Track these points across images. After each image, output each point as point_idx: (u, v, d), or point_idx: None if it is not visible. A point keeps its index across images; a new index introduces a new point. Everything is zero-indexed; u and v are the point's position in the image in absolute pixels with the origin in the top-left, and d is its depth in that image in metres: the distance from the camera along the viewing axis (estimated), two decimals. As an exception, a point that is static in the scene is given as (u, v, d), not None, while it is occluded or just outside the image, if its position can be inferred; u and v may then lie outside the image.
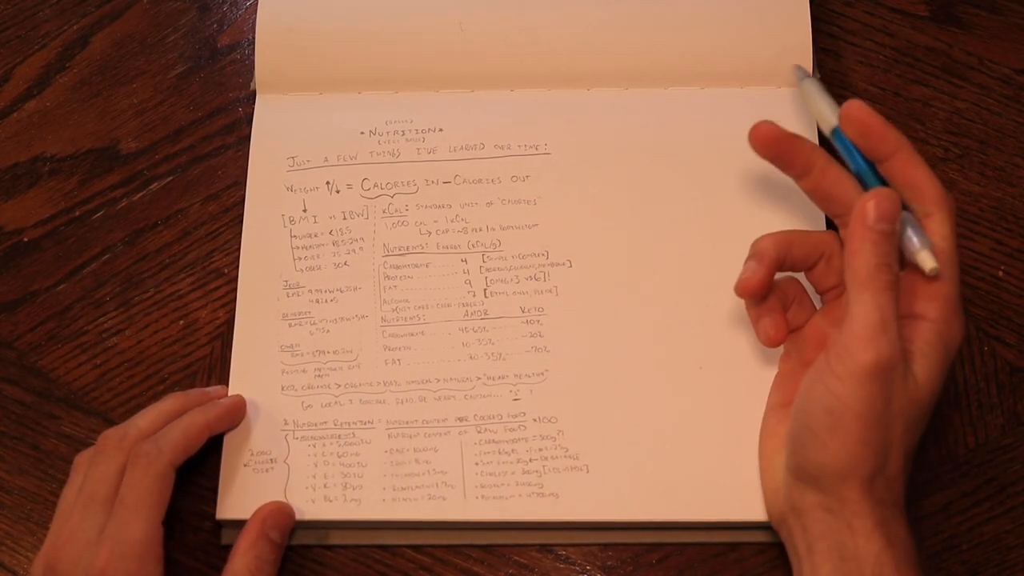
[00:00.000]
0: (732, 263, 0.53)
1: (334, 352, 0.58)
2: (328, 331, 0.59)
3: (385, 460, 0.56)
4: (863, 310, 0.47)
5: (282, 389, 0.58)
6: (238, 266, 0.60)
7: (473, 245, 0.60)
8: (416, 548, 0.56)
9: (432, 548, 0.56)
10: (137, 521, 0.51)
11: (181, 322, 0.61)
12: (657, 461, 0.55)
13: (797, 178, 0.52)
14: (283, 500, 0.56)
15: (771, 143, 0.52)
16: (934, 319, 0.48)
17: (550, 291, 0.59)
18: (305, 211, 0.61)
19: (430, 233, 0.60)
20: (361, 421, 0.57)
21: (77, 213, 0.64)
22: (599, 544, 0.56)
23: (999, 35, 0.65)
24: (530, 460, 0.56)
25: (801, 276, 0.55)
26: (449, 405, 0.57)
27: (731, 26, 0.62)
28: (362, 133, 0.62)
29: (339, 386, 0.58)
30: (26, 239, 0.64)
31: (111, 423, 0.57)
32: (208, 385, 0.59)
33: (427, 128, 0.62)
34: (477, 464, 0.56)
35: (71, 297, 0.62)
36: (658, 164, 0.61)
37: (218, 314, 0.61)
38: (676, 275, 0.59)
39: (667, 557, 0.56)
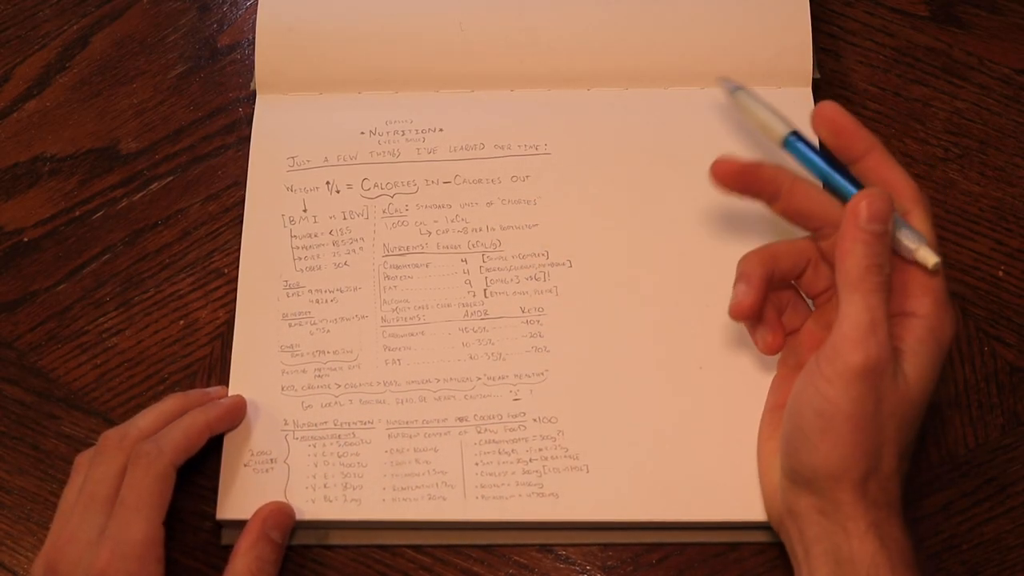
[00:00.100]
0: (732, 263, 0.53)
1: (334, 352, 0.58)
2: (328, 331, 0.59)
3: (385, 460, 0.56)
4: (853, 311, 0.47)
5: (282, 389, 0.58)
6: (238, 266, 0.60)
7: (473, 245, 0.60)
8: (416, 548, 0.56)
9: (432, 548, 0.56)
10: (138, 521, 0.50)
11: (181, 322, 0.61)
12: (657, 461, 0.55)
13: (768, 204, 0.52)
14: (283, 500, 0.56)
15: (733, 177, 0.51)
16: (925, 315, 0.48)
17: (550, 291, 0.59)
18: (305, 211, 0.61)
19: (430, 233, 0.60)
20: (361, 421, 0.57)
21: (77, 213, 0.64)
22: (599, 544, 0.56)
23: (999, 35, 0.65)
24: (530, 460, 0.56)
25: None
26: (449, 405, 0.57)
27: (731, 26, 0.62)
28: (362, 133, 0.62)
29: (339, 386, 0.58)
30: (26, 239, 0.64)
31: (111, 423, 0.57)
32: (208, 385, 0.59)
33: (427, 128, 0.62)
34: (477, 464, 0.56)
35: (71, 297, 0.62)
36: (658, 164, 0.61)
37: (218, 314, 0.61)
38: (676, 275, 0.59)
39: (667, 557, 0.56)
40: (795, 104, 0.61)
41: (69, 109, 0.66)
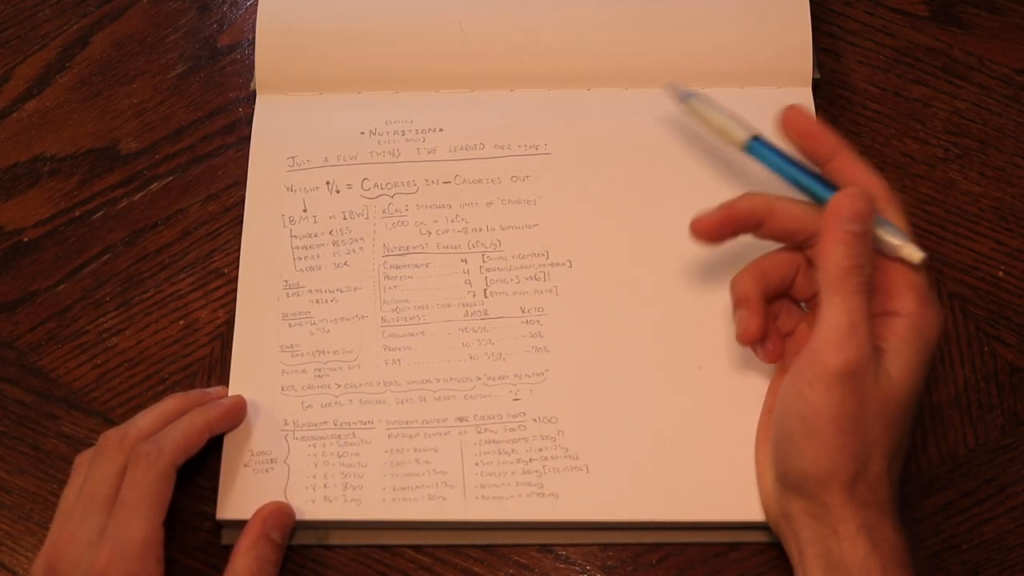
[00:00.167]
0: (732, 263, 0.53)
1: (334, 352, 0.58)
2: (328, 331, 0.59)
3: (385, 460, 0.56)
4: (833, 314, 0.47)
5: (282, 389, 0.58)
6: (238, 266, 0.60)
7: (473, 245, 0.60)
8: (416, 548, 0.56)
9: (432, 548, 0.56)
10: (138, 521, 0.51)
11: (181, 322, 0.61)
12: (657, 461, 0.55)
13: (754, 232, 0.52)
14: (283, 500, 0.56)
15: (714, 230, 0.52)
16: (909, 313, 0.48)
17: (550, 291, 0.59)
18: (305, 211, 0.61)
19: (430, 233, 0.60)
20: (361, 421, 0.57)
21: (77, 213, 0.64)
22: (599, 544, 0.56)
23: (999, 35, 0.65)
24: (530, 460, 0.56)
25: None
26: (449, 405, 0.57)
27: (731, 26, 0.62)
28: (362, 133, 0.62)
29: (339, 386, 0.58)
30: (26, 239, 0.64)
31: (111, 423, 0.57)
32: (208, 385, 0.59)
33: (427, 128, 0.62)
34: (477, 464, 0.56)
35: (71, 297, 0.62)
36: (658, 164, 0.61)
37: (218, 314, 0.61)
38: (676, 275, 0.59)
39: (667, 557, 0.56)
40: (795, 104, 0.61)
41: (69, 109, 0.66)
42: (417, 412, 0.57)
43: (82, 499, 0.52)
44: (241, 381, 0.58)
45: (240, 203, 0.62)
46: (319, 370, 0.58)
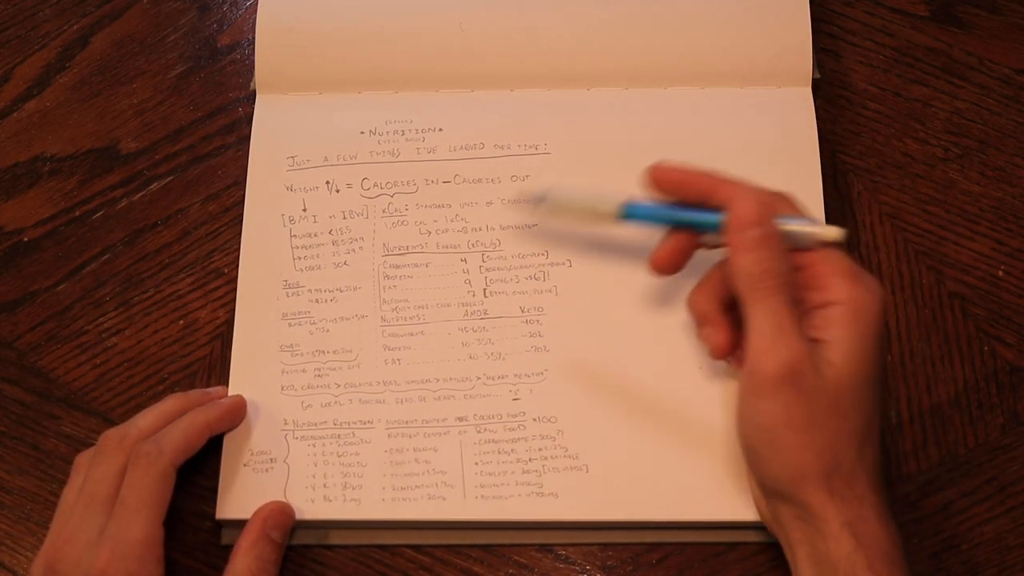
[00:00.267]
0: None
1: (334, 352, 0.58)
2: (328, 331, 0.59)
3: (385, 460, 0.56)
4: (757, 322, 0.47)
5: (282, 389, 0.58)
6: (238, 266, 0.60)
7: (473, 245, 0.60)
8: (416, 548, 0.56)
9: (432, 548, 0.56)
10: (138, 521, 0.51)
11: (181, 322, 0.61)
12: (657, 461, 0.55)
13: (706, 199, 0.52)
14: (283, 500, 0.56)
15: (674, 180, 0.52)
16: (844, 299, 0.48)
17: (550, 291, 0.59)
18: (305, 211, 0.61)
19: (430, 233, 0.60)
20: (361, 421, 0.57)
21: (77, 213, 0.64)
22: (599, 544, 0.56)
23: (999, 35, 0.65)
24: (530, 460, 0.56)
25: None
26: (449, 405, 0.57)
27: (731, 26, 0.62)
28: (362, 133, 0.62)
29: (339, 386, 0.58)
30: (26, 239, 0.64)
31: (111, 423, 0.57)
32: (208, 385, 0.59)
33: (427, 128, 0.62)
34: (477, 464, 0.56)
35: (71, 297, 0.62)
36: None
37: (218, 314, 0.61)
38: (676, 275, 0.58)
39: (667, 557, 0.56)
40: (795, 104, 0.61)
41: (69, 109, 0.66)
42: (417, 412, 0.57)
43: (82, 499, 0.52)
44: (241, 381, 0.58)
45: (240, 203, 0.62)
46: (319, 370, 0.58)
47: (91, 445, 0.56)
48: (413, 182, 0.61)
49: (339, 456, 0.56)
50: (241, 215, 0.61)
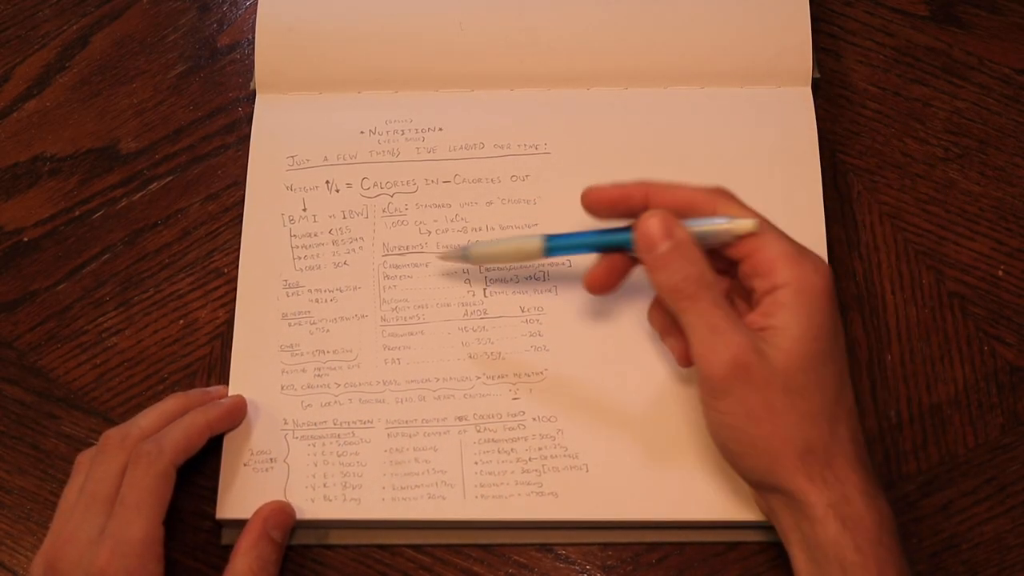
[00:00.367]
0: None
1: (334, 352, 0.58)
2: (328, 331, 0.59)
3: (385, 459, 0.56)
4: (691, 329, 0.48)
5: (282, 389, 0.58)
6: (238, 266, 0.60)
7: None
8: (416, 548, 0.56)
9: (432, 548, 0.56)
10: (138, 521, 0.51)
11: (181, 322, 0.61)
12: (657, 461, 0.55)
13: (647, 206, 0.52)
14: (283, 499, 0.56)
15: (604, 201, 0.52)
16: (786, 280, 0.48)
17: (550, 291, 0.59)
18: (305, 210, 0.61)
19: (430, 232, 0.60)
20: (361, 420, 0.57)
21: (77, 213, 0.64)
22: (599, 544, 0.56)
23: (999, 35, 0.65)
24: (529, 459, 0.56)
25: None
26: (448, 404, 0.57)
27: (731, 26, 0.62)
28: (362, 132, 0.62)
29: (339, 385, 0.58)
30: (26, 239, 0.64)
31: (111, 423, 0.57)
32: (208, 385, 0.59)
33: (427, 127, 0.62)
34: (476, 463, 0.56)
35: (71, 297, 0.62)
36: (658, 164, 0.61)
37: (218, 314, 0.61)
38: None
39: (667, 557, 0.56)
40: (795, 104, 0.61)
41: (69, 109, 0.66)
42: (416, 411, 0.57)
43: (83, 498, 0.52)
44: (241, 381, 0.58)
45: (240, 203, 0.62)
46: (319, 369, 0.58)
47: (91, 445, 0.56)
48: (413, 182, 0.61)
49: (339, 456, 0.56)
50: (241, 215, 0.61)
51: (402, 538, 0.56)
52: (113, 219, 0.64)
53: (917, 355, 0.58)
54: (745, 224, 0.49)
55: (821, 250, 0.58)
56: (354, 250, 0.60)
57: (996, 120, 0.63)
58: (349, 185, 0.61)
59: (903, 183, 0.62)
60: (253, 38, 0.64)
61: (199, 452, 0.55)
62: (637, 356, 0.57)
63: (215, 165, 0.64)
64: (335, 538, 0.57)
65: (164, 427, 0.54)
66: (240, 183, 0.63)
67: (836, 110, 0.64)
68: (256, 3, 0.64)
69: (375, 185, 0.61)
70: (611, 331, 0.58)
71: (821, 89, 0.63)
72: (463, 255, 0.56)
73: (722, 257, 0.51)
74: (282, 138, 0.63)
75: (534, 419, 0.56)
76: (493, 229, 0.60)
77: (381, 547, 0.57)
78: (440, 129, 0.62)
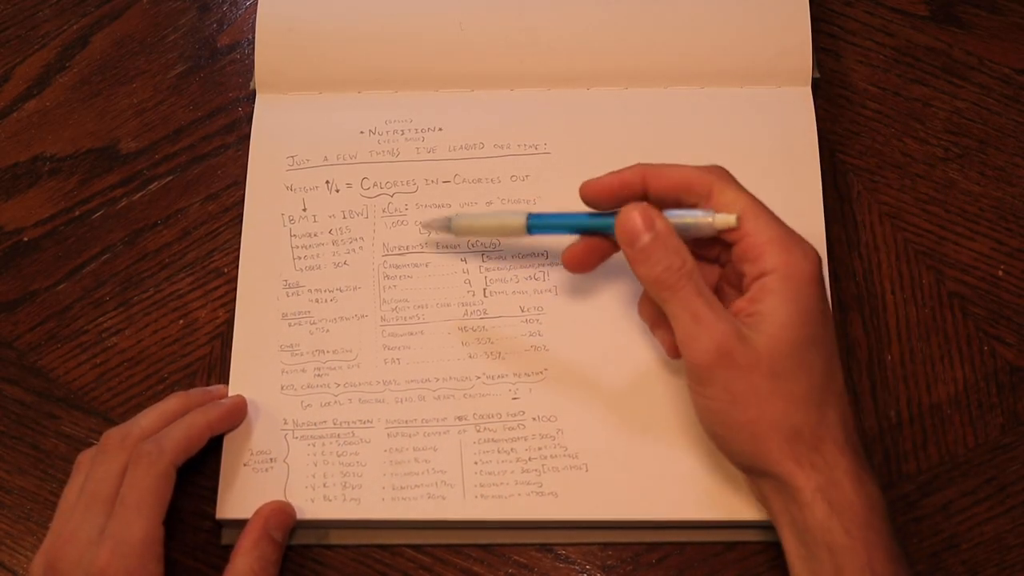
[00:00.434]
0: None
1: (334, 351, 0.58)
2: (328, 331, 0.59)
3: (384, 459, 0.56)
4: (674, 319, 0.48)
5: (282, 388, 0.58)
6: (238, 266, 0.60)
7: (473, 244, 0.60)
8: (416, 548, 0.56)
9: (432, 547, 0.56)
10: (138, 520, 0.51)
11: (181, 322, 0.61)
12: (657, 461, 0.55)
13: (646, 194, 0.52)
14: (283, 499, 0.56)
15: (603, 192, 0.52)
16: (774, 266, 0.48)
17: (550, 291, 0.59)
18: (305, 210, 0.61)
19: (430, 232, 0.60)
20: (360, 420, 0.57)
21: (77, 213, 0.64)
22: (599, 544, 0.56)
23: (999, 35, 0.65)
24: (529, 459, 0.56)
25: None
26: (448, 404, 0.57)
27: (731, 26, 0.62)
28: (362, 132, 0.62)
29: (338, 385, 0.58)
30: (26, 239, 0.64)
31: (111, 423, 0.57)
32: (208, 385, 0.59)
33: (427, 127, 0.62)
34: (476, 463, 0.56)
35: (71, 297, 0.62)
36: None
37: (218, 314, 0.61)
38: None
39: (667, 557, 0.56)
40: (795, 104, 0.61)
41: (69, 109, 0.66)
42: (416, 411, 0.57)
43: (83, 498, 0.52)
44: (241, 380, 0.58)
45: (240, 203, 0.62)
46: (319, 369, 0.58)
47: (91, 445, 0.56)
48: (413, 182, 0.61)
49: (339, 456, 0.56)
50: (241, 215, 0.61)
51: (402, 538, 0.56)
52: (113, 219, 0.64)
53: (917, 355, 0.58)
54: (726, 219, 0.49)
55: (821, 250, 0.58)
56: (354, 250, 0.60)
57: (996, 120, 0.63)
58: (349, 185, 0.61)
59: (903, 183, 0.62)
60: (253, 38, 0.64)
61: (199, 452, 0.55)
62: (637, 356, 0.57)
63: (215, 165, 0.64)
64: (335, 538, 0.57)
65: (165, 427, 0.54)
66: (240, 183, 0.63)
67: (836, 110, 0.64)
68: (256, 3, 0.64)
69: (375, 185, 0.61)
70: (611, 331, 0.58)
71: (821, 89, 0.63)
72: (447, 225, 0.56)
73: (716, 241, 0.51)
74: (282, 138, 0.63)
75: (534, 419, 0.56)
76: (493, 229, 0.60)
77: (381, 547, 0.57)
78: (440, 129, 0.62)
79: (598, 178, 0.52)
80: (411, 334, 0.58)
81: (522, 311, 0.59)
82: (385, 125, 0.62)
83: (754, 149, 0.60)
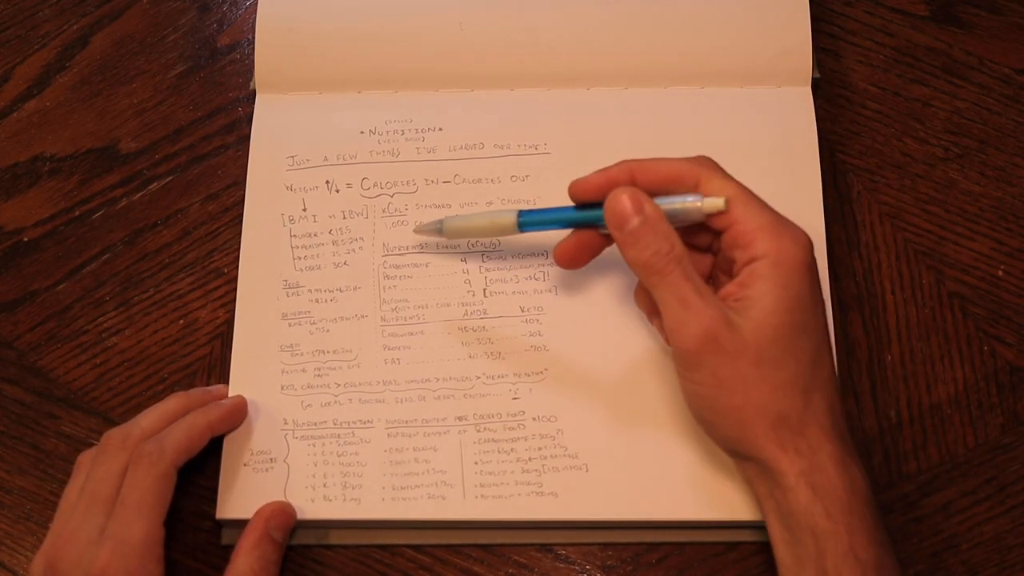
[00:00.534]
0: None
1: (334, 352, 0.58)
2: (328, 331, 0.59)
3: (384, 459, 0.56)
4: (662, 304, 0.48)
5: (282, 389, 0.58)
6: (238, 266, 0.60)
7: (472, 245, 0.60)
8: (416, 548, 0.56)
9: (432, 548, 0.56)
10: (138, 521, 0.51)
11: (181, 322, 0.61)
12: (657, 461, 0.55)
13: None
14: (283, 499, 0.55)
15: (592, 189, 0.52)
16: (764, 252, 0.48)
17: (550, 291, 0.59)
18: (305, 210, 0.61)
19: (423, 237, 0.60)
20: (360, 420, 0.57)
21: (77, 213, 0.64)
22: (599, 544, 0.56)
23: (999, 35, 0.65)
24: (529, 459, 0.56)
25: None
26: (448, 404, 0.57)
27: (731, 26, 0.62)
28: (362, 132, 0.62)
29: (339, 385, 0.58)
30: (26, 239, 0.64)
31: (111, 423, 0.57)
32: (208, 385, 0.59)
33: (427, 127, 0.62)
34: (476, 463, 0.56)
35: (71, 297, 0.62)
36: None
37: (218, 314, 0.61)
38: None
39: (667, 557, 0.56)
40: (795, 104, 0.61)
41: (69, 109, 0.66)
42: (416, 411, 0.57)
43: (83, 498, 0.52)
44: (241, 381, 0.58)
45: (240, 203, 0.62)
46: (319, 369, 0.58)
47: (91, 445, 0.56)
48: (413, 182, 0.61)
49: (339, 456, 0.56)
50: (241, 215, 0.61)
51: (402, 538, 0.56)
52: (113, 219, 0.64)
53: (917, 355, 0.58)
54: (715, 203, 0.49)
55: (821, 250, 0.58)
56: (354, 250, 0.60)
57: (996, 120, 0.63)
58: (349, 185, 0.61)
59: (903, 183, 0.62)
60: (253, 38, 0.64)
61: (199, 452, 0.55)
62: (638, 356, 0.57)
63: (215, 165, 0.64)
64: (335, 538, 0.57)
65: (165, 427, 0.54)
66: (240, 183, 0.63)
67: (836, 110, 0.64)
68: (256, 3, 0.64)
69: (375, 185, 0.61)
70: (611, 331, 0.58)
71: (821, 89, 0.63)
72: (438, 229, 0.57)
73: (705, 230, 0.51)
74: (282, 138, 0.63)
75: (534, 419, 0.56)
76: (493, 229, 0.60)
77: (381, 547, 0.57)
78: (440, 129, 0.62)
79: (585, 177, 0.52)
80: (411, 334, 0.58)
81: (522, 311, 0.59)
82: (385, 125, 0.62)
83: (754, 149, 0.60)
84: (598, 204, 0.51)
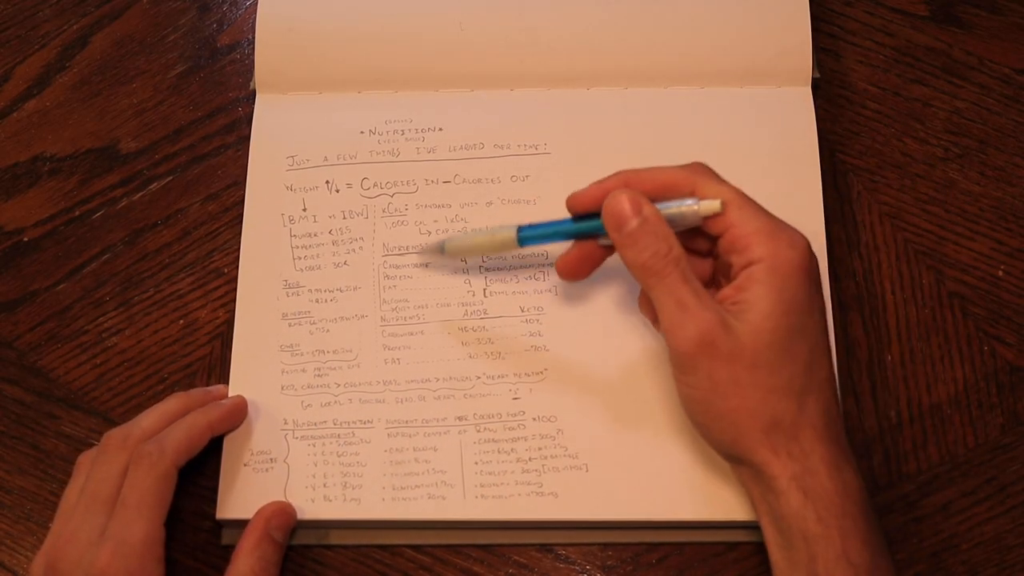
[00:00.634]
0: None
1: (334, 352, 0.58)
2: (328, 331, 0.59)
3: (385, 459, 0.56)
4: (659, 305, 0.49)
5: (282, 389, 0.58)
6: (238, 266, 0.60)
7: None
8: (416, 548, 0.56)
9: (432, 548, 0.56)
10: (139, 521, 0.51)
11: (181, 322, 0.61)
12: (657, 461, 0.55)
13: None
14: (283, 500, 0.55)
15: (588, 201, 0.52)
16: (761, 256, 0.48)
17: (550, 291, 0.59)
18: (305, 210, 0.61)
19: (430, 233, 0.60)
20: (361, 420, 0.57)
21: (77, 213, 0.64)
22: (599, 544, 0.56)
23: (999, 35, 0.65)
24: (529, 459, 0.56)
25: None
26: (448, 404, 0.57)
27: (731, 26, 0.62)
28: (362, 132, 0.62)
29: (339, 385, 0.58)
30: (26, 239, 0.64)
31: (111, 423, 0.57)
32: (208, 385, 0.59)
33: (427, 127, 0.62)
34: (476, 463, 0.56)
35: (71, 297, 0.62)
36: (658, 164, 0.61)
37: (218, 314, 0.61)
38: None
39: (667, 557, 0.56)
40: (795, 104, 0.61)
41: (69, 109, 0.66)
42: (416, 411, 0.57)
43: (84, 499, 0.52)
44: (241, 381, 0.58)
45: (240, 203, 0.62)
46: (319, 369, 0.58)
47: (91, 445, 0.56)
48: (413, 182, 0.61)
49: (339, 456, 0.56)
50: (241, 215, 0.61)
51: (402, 538, 0.56)
52: (113, 219, 0.64)
53: (917, 355, 0.58)
54: (711, 205, 0.49)
55: (821, 250, 0.58)
56: (354, 250, 0.60)
57: (996, 120, 0.63)
58: (349, 185, 0.61)
59: (903, 183, 0.62)
60: (253, 38, 0.64)
61: (200, 452, 0.55)
62: (638, 356, 0.57)
63: (215, 165, 0.64)
64: (335, 538, 0.57)
65: (165, 427, 0.54)
66: (240, 183, 0.63)
67: (836, 110, 0.64)
68: (256, 3, 0.64)
69: (375, 185, 0.61)
70: (611, 331, 0.58)
71: (821, 89, 0.63)
72: (439, 250, 0.57)
73: (704, 236, 0.51)
74: (282, 138, 0.63)
75: (534, 419, 0.56)
76: (493, 229, 0.60)
77: (381, 547, 0.57)
78: (440, 129, 0.62)
79: (582, 190, 0.52)
80: (411, 334, 0.58)
81: (522, 311, 0.59)
82: (385, 125, 0.62)
83: (754, 149, 0.60)
84: (596, 215, 0.51)
